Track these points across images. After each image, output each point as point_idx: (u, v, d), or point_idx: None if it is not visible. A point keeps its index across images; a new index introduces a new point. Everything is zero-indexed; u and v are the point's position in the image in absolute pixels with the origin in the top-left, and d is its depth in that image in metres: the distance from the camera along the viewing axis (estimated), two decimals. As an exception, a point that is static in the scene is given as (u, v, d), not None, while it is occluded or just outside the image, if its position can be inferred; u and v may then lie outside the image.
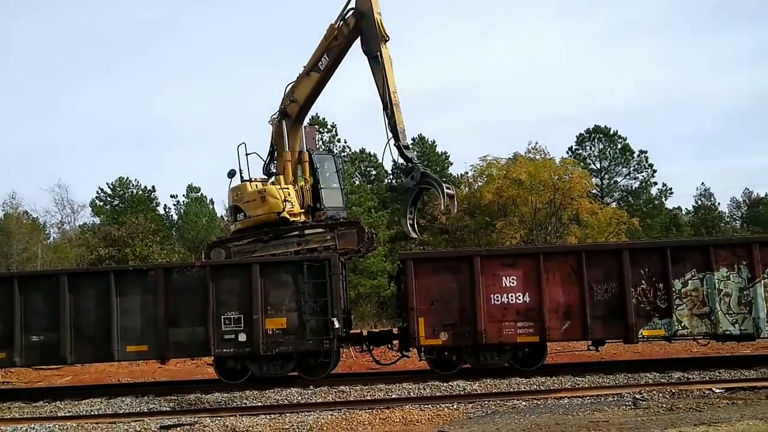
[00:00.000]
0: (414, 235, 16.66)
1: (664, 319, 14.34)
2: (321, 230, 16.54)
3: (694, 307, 14.38)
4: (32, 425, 11.58)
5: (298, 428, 10.53)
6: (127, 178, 53.54)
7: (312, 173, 17.26)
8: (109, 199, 53.33)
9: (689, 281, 14.42)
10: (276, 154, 17.17)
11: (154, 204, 53.72)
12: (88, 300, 14.68)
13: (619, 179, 52.10)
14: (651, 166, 51.66)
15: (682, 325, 14.33)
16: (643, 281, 14.39)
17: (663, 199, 53.50)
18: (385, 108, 15.66)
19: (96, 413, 12.60)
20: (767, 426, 8.94)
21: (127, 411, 12.73)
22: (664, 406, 10.95)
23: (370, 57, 15.89)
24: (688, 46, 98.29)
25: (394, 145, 15.74)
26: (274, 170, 17.13)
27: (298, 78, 16.82)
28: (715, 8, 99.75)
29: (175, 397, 13.90)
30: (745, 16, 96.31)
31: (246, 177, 16.79)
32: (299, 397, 13.21)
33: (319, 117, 42.05)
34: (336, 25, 16.38)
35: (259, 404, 12.68)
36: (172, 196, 55.19)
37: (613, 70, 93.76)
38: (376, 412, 11.31)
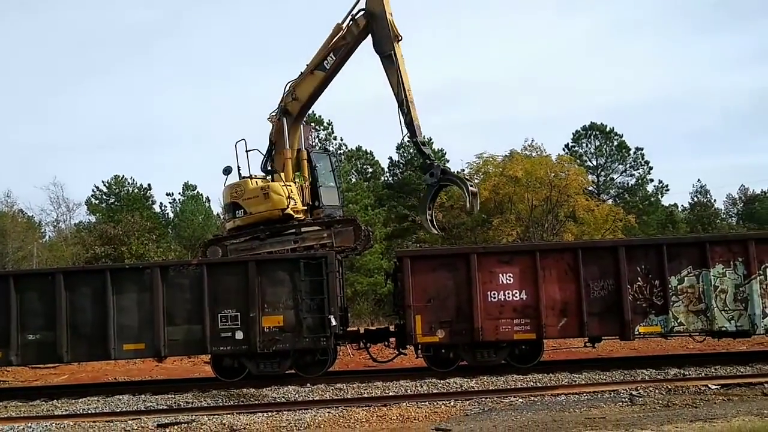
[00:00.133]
0: (434, 230, 17.07)
1: (661, 315, 14.38)
2: (318, 228, 16.52)
3: (690, 304, 14.42)
4: (29, 424, 11.55)
5: (296, 426, 10.53)
6: (123, 176, 53.47)
7: (310, 172, 17.25)
8: (104, 197, 53.21)
9: (685, 278, 14.46)
10: (274, 152, 17.14)
11: (150, 202, 53.65)
12: (84, 298, 14.66)
13: (615, 176, 52.16)
14: (647, 163, 51.73)
15: (678, 321, 14.38)
16: (639, 278, 14.43)
17: (659, 196, 53.65)
18: (400, 105, 15.79)
19: (93, 412, 12.58)
20: (763, 422, 8.97)
21: (124, 409, 12.72)
22: (661, 402, 10.98)
23: (382, 56, 15.95)
24: (686, 43, 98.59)
25: (412, 141, 16.05)
26: (269, 167, 17.10)
27: (300, 76, 16.74)
28: (715, 6, 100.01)
29: (172, 396, 13.90)
30: (745, 15, 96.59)
31: (246, 174, 16.77)
32: (296, 395, 13.21)
33: (315, 115, 42.01)
34: (344, 25, 16.37)
35: (257, 402, 12.68)
36: (168, 194, 55.13)
37: (610, 67, 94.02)
38: (373, 409, 11.32)
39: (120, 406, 13.15)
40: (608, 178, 52.09)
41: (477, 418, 10.52)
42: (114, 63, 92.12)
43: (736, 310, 14.42)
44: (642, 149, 51.49)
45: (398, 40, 16.03)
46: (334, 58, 16.38)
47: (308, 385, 14.04)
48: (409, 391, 13.06)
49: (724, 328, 14.45)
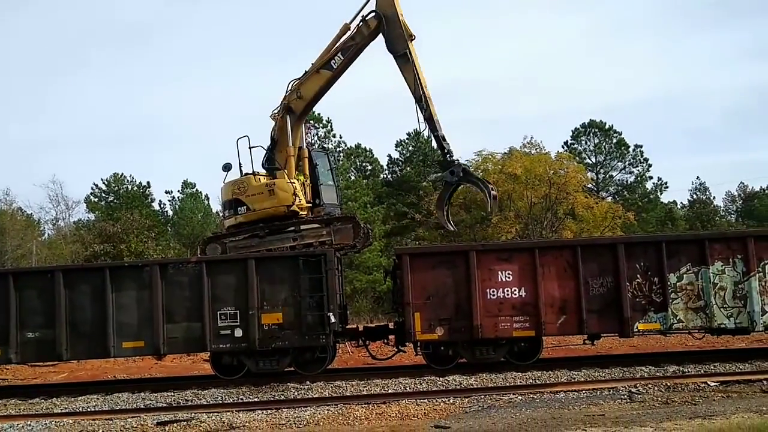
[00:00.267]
0: (450, 227, 17.16)
1: (660, 313, 14.39)
2: (317, 225, 16.50)
3: (689, 301, 14.43)
4: (28, 422, 11.55)
5: (295, 423, 10.54)
6: (122, 174, 53.52)
7: (311, 170, 17.24)
8: (104, 195, 53.22)
9: (684, 275, 14.47)
10: (275, 149, 17.12)
11: (149, 200, 53.72)
12: (83, 296, 14.65)
13: (614, 173, 52.22)
14: (646, 160, 51.77)
15: (678, 318, 14.38)
16: (638, 275, 14.43)
17: (658, 194, 53.71)
18: (418, 102, 15.85)
19: (92, 410, 12.59)
20: (762, 419, 8.98)
21: (123, 407, 12.72)
22: (660, 399, 10.99)
23: (396, 56, 15.98)
24: (685, 42, 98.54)
25: (433, 135, 16.11)
26: (268, 165, 17.07)
27: (305, 75, 16.67)
28: (714, 5, 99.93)
29: (172, 393, 13.90)
30: (743, 13, 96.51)
31: (249, 171, 16.74)
32: (295, 393, 13.23)
33: (314, 112, 41.89)
34: (352, 25, 16.34)
35: (256, 400, 12.69)
36: (167, 192, 55.21)
37: (609, 66, 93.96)
38: (372, 407, 11.32)
39: (119, 404, 13.15)
40: (607, 176, 52.13)
41: (476, 415, 10.52)
42: (113, 60, 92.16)
43: (735, 307, 14.43)
44: (641, 146, 51.66)
45: (411, 39, 16.05)
46: (342, 58, 16.35)
47: (307, 382, 14.05)
48: (408, 388, 13.07)
49: (723, 325, 14.45)
